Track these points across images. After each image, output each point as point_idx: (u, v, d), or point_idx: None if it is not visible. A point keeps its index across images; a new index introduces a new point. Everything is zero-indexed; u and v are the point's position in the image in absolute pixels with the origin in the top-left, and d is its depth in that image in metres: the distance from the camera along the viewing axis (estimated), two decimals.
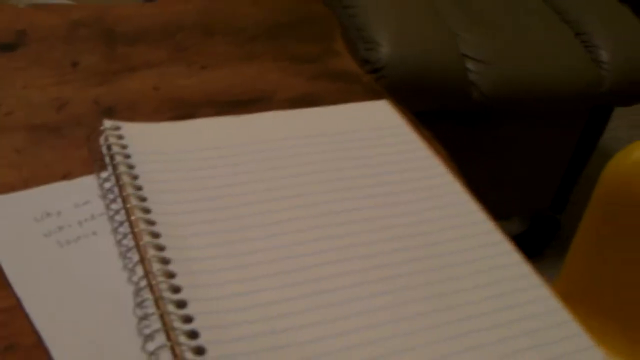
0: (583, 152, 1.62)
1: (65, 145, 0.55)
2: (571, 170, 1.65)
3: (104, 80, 0.63)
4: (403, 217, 0.51)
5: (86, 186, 0.52)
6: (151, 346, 0.40)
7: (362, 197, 0.52)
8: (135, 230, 0.46)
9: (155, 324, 0.41)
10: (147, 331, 0.41)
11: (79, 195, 0.51)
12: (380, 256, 0.48)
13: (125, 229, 0.47)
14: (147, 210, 0.48)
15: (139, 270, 0.44)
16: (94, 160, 0.53)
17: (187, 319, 0.41)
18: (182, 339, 0.40)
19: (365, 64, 1.25)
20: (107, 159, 0.52)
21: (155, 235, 0.46)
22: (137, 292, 0.43)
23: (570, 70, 1.43)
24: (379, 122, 0.61)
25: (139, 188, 0.49)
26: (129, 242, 0.46)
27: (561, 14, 1.50)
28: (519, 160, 1.55)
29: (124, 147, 0.53)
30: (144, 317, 0.42)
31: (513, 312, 0.46)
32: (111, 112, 0.59)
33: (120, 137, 0.54)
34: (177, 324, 0.41)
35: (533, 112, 1.48)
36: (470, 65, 1.34)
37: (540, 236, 1.74)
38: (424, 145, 0.59)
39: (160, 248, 0.45)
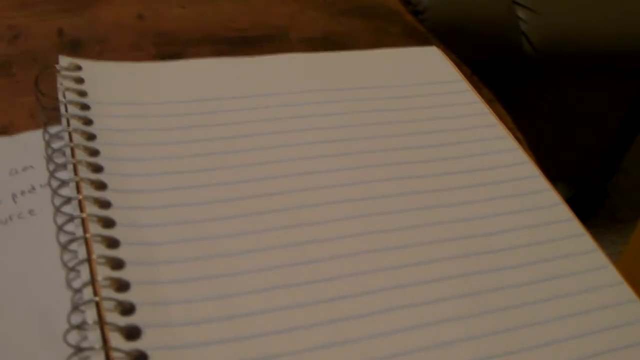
0: (637, 116, 1.48)
1: (12, 88, 0.42)
2: (623, 136, 1.50)
3: (74, 4, 0.49)
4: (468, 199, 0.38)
5: (31, 145, 0.38)
6: None
7: (404, 178, 0.39)
8: (83, 214, 0.33)
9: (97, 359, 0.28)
10: None
11: (19, 157, 0.38)
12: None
13: (72, 209, 0.34)
14: (101, 186, 0.34)
15: (84, 273, 0.31)
16: (41, 109, 0.39)
17: (140, 358, 0.28)
18: None
19: (406, 6, 1.10)
20: (62, 110, 0.38)
21: (109, 223, 0.32)
22: (77, 304, 0.30)
23: (631, 22, 1.28)
24: (428, 74, 0.46)
25: (95, 153, 0.36)
26: (75, 228, 0.33)
27: None
28: (567, 120, 1.41)
29: (82, 94, 0.39)
30: (81, 349, 0.28)
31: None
32: (77, 47, 0.45)
33: (79, 80, 0.40)
34: None
35: (586, 68, 1.33)
36: (521, 13, 1.19)
37: (586, 204, 1.60)
38: (487, 109, 0.45)
39: (113, 243, 0.32)
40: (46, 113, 0.39)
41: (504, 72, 1.24)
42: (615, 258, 0.99)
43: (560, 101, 1.37)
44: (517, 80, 1.28)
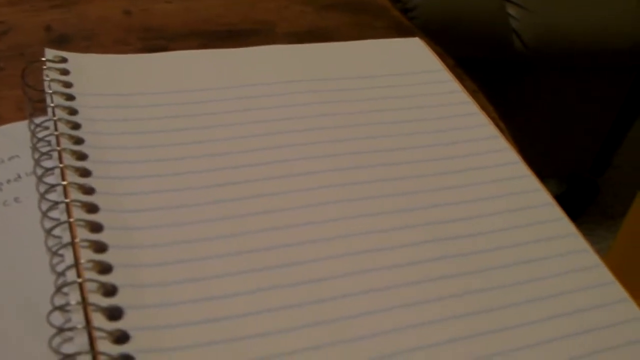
0: (630, 112, 1.48)
1: (0, 81, 0.43)
2: (615, 132, 1.51)
3: (62, 1, 0.50)
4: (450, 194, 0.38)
5: (18, 135, 0.39)
6: None
7: (383, 165, 0.39)
8: (68, 200, 0.33)
9: (80, 339, 0.29)
10: (67, 350, 0.29)
11: (5, 147, 0.38)
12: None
13: (56, 196, 0.34)
14: (85, 173, 0.35)
15: (68, 256, 0.32)
16: (28, 101, 0.40)
17: (122, 338, 0.29)
18: None
19: (396, 3, 1.11)
20: (48, 100, 0.39)
21: (92, 208, 0.33)
22: (60, 286, 0.30)
23: (622, 20, 1.29)
24: (409, 64, 0.47)
25: (79, 141, 0.36)
26: (60, 214, 0.34)
27: None
28: (559, 117, 1.42)
29: (67, 85, 0.40)
30: (63, 330, 0.29)
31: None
32: (65, 42, 0.46)
33: (64, 72, 0.40)
34: (106, 345, 0.28)
35: (578, 66, 1.34)
36: (512, 10, 1.20)
37: (578, 200, 1.61)
38: (469, 99, 0.45)
39: (97, 228, 0.32)
40: (32, 105, 0.40)
41: (495, 69, 1.25)
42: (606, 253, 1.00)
43: (553, 98, 1.37)
44: (510, 78, 1.28)
